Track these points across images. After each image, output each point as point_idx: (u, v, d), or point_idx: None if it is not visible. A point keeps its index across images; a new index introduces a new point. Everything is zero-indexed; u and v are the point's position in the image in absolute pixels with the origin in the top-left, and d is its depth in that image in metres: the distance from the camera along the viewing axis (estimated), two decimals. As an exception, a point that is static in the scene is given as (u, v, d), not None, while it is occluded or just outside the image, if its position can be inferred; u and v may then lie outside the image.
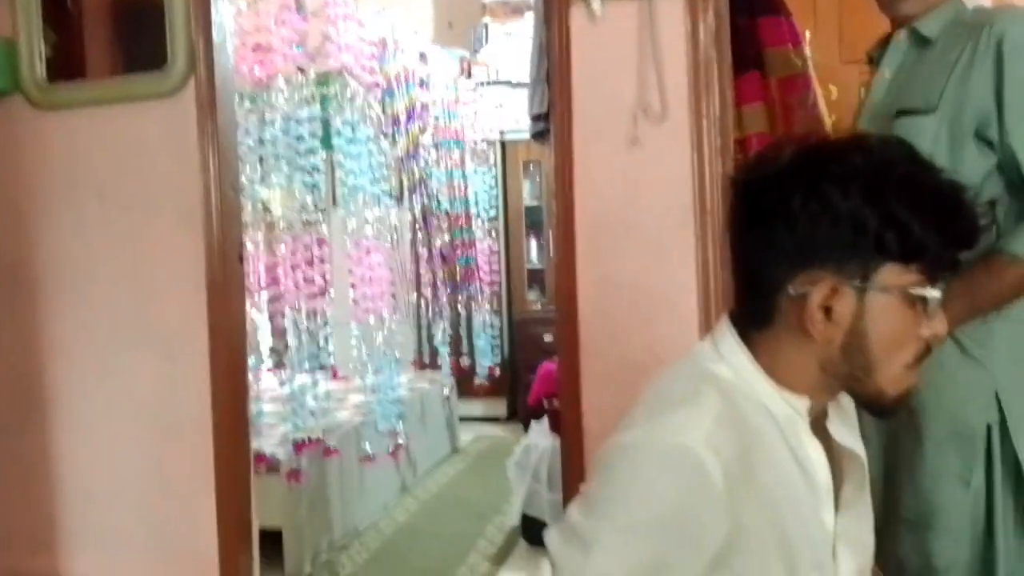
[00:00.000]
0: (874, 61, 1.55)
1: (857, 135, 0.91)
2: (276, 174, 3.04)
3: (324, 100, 3.13)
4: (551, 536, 0.84)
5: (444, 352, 4.31)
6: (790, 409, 0.84)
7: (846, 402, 0.93)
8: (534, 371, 4.45)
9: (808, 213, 0.79)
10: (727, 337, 0.87)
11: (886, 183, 0.78)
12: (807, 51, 2.33)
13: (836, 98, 3.86)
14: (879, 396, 0.84)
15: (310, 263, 3.23)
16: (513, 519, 3.16)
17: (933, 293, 0.81)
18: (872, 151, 0.81)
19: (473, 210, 4.48)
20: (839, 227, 0.78)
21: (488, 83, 4.78)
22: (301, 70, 3.02)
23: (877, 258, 0.79)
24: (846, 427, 0.91)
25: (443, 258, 4.40)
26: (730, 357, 0.86)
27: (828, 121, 2.33)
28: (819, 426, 0.88)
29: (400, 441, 3.56)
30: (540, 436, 3.11)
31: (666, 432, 0.79)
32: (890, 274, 0.79)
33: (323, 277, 3.30)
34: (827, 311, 0.81)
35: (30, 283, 2.21)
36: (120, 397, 2.17)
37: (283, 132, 3.01)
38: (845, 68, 4.15)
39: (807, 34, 3.49)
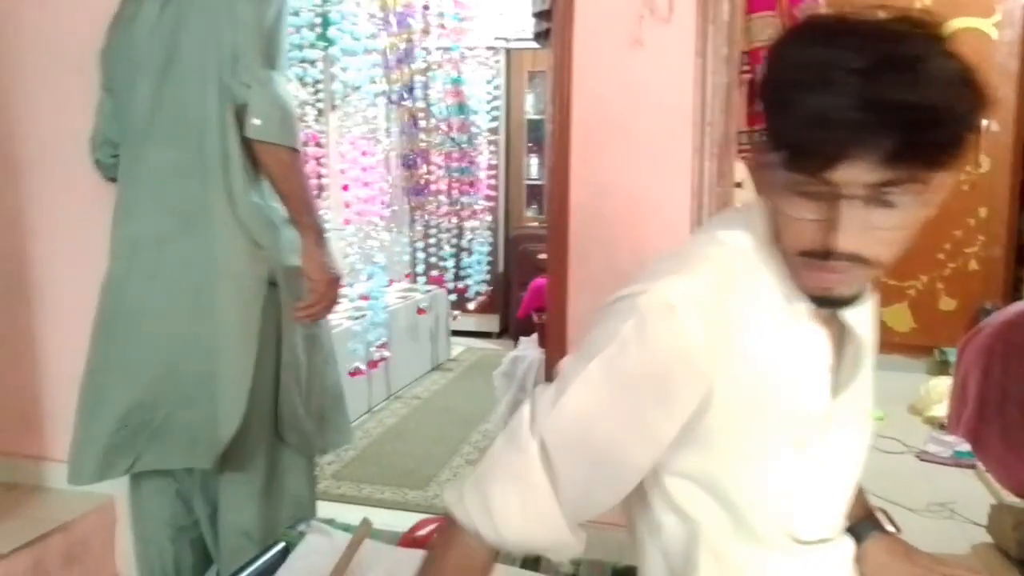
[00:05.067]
0: None
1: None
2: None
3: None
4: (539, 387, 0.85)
5: (419, 265, 4.24)
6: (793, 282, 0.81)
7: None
8: (528, 288, 4.44)
9: None
10: (756, 204, 0.85)
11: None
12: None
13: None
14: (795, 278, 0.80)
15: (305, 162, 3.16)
16: (497, 426, 3.20)
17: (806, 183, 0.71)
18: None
19: (474, 119, 4.36)
20: None
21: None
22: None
23: None
24: (858, 307, 0.86)
25: (438, 167, 4.29)
26: (753, 223, 0.84)
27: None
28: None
29: (387, 353, 3.56)
30: (529, 348, 3.12)
31: (656, 289, 0.78)
32: None
33: (317, 177, 3.25)
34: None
35: (10, 158, 2.16)
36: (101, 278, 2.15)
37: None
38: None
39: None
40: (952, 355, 3.55)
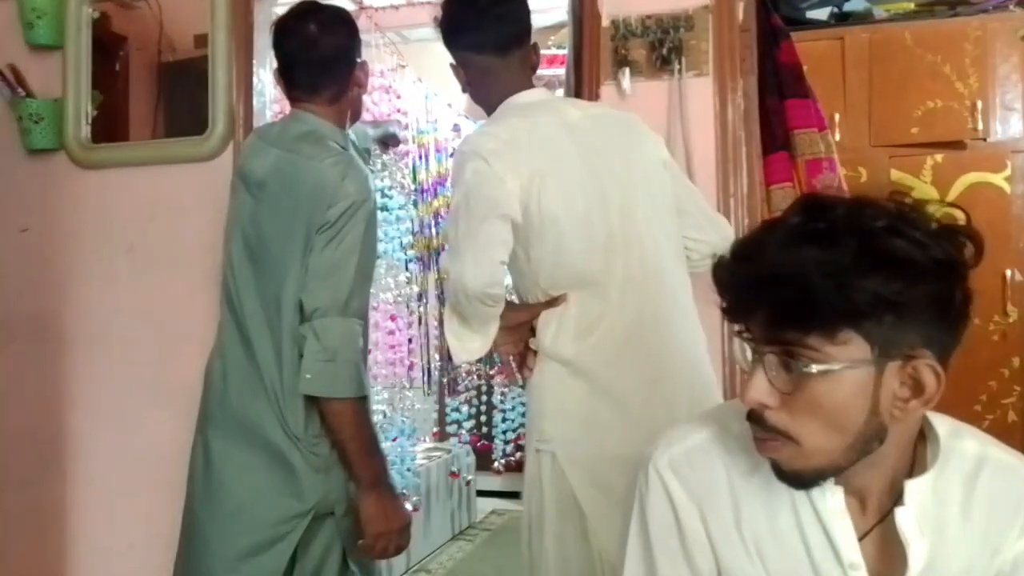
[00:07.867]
0: None
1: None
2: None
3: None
4: None
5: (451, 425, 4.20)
6: None
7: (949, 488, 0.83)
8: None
9: None
10: None
11: None
12: (832, 135, 2.35)
13: (865, 180, 3.86)
14: None
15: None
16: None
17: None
18: None
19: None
20: None
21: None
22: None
23: None
24: (917, 515, 0.82)
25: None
26: None
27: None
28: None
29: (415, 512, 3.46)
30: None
31: (654, 452, 0.90)
32: None
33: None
34: None
35: (56, 333, 2.23)
36: (138, 453, 2.15)
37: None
38: (874, 151, 4.18)
39: (836, 117, 3.51)
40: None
